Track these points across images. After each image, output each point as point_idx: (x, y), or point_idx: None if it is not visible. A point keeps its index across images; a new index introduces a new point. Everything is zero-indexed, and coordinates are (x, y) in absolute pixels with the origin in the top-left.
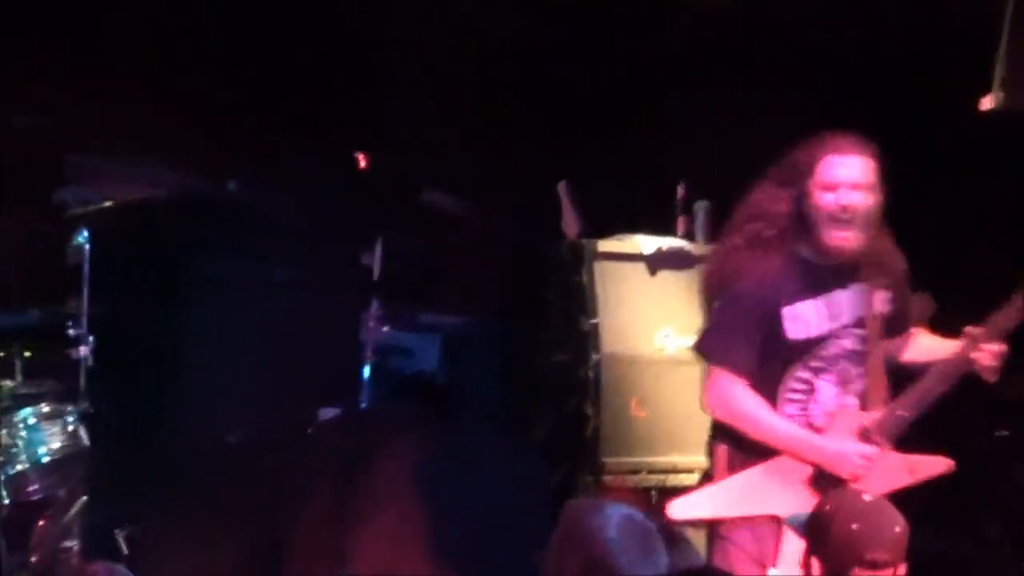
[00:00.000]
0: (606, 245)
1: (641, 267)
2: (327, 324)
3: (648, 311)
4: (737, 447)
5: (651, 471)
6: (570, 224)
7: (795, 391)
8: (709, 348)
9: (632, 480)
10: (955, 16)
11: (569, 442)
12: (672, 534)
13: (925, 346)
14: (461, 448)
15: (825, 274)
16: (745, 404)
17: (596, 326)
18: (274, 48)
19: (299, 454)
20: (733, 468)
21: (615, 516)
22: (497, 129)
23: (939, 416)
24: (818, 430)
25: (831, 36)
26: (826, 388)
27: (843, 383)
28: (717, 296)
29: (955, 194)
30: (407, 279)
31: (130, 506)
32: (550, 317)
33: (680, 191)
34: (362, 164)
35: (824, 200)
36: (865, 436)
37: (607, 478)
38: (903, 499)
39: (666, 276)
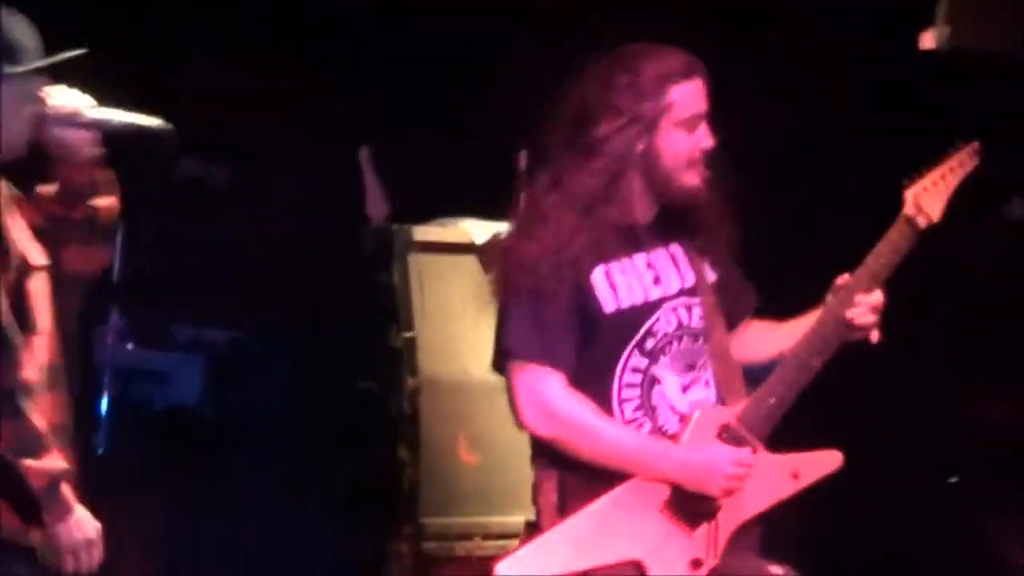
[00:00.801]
0: (424, 232)
1: (471, 261)
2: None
3: (481, 321)
4: (570, 473)
5: (487, 535)
6: (374, 204)
7: (631, 386)
8: (512, 348)
9: (462, 548)
10: None
11: (377, 499)
12: None
13: (773, 335)
14: (231, 506)
15: (640, 232)
16: (573, 409)
17: (412, 341)
18: None
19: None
20: (567, 504)
21: None
22: (280, 78)
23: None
24: (672, 438)
25: None
26: (669, 378)
27: (688, 368)
28: (509, 292)
29: (887, 150)
30: (158, 280)
31: None
32: (353, 330)
33: (521, 160)
34: None
35: (681, 142)
36: (730, 437)
37: (428, 545)
38: None
39: None
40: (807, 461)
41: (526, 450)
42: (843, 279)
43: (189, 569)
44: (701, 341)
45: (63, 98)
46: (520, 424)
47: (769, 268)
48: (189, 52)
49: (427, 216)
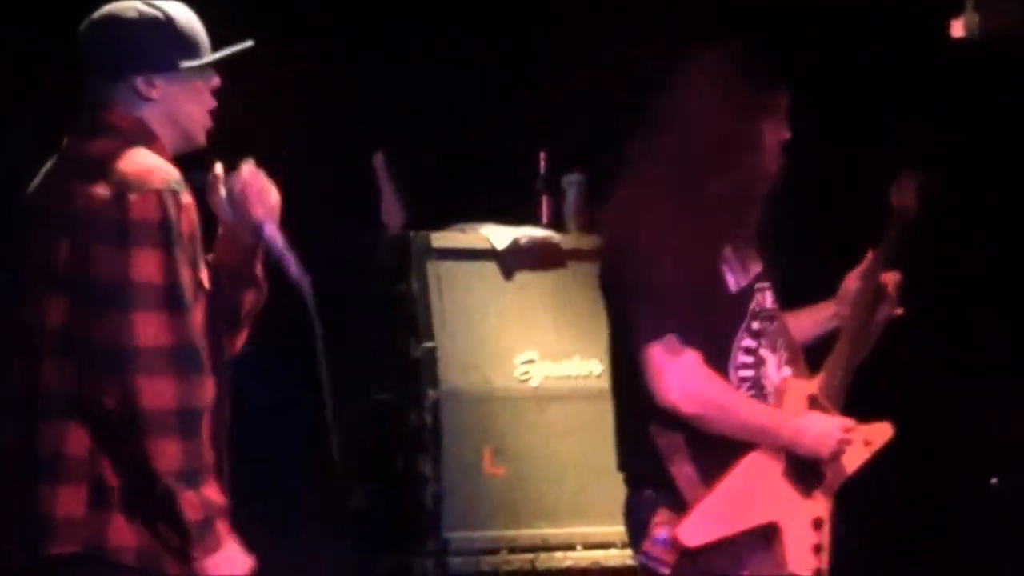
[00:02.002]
0: (443, 239)
1: (491, 268)
2: None
3: (503, 329)
4: (703, 444)
5: (513, 549)
6: (391, 211)
7: (746, 366)
8: (650, 328)
9: (487, 563)
10: None
11: (399, 513)
12: None
13: (806, 317)
14: (246, 523)
15: (739, 214)
16: (715, 387)
17: (432, 352)
18: None
19: None
20: (709, 474)
21: None
22: (288, 84)
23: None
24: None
25: None
26: (770, 357)
27: (776, 347)
28: (639, 274)
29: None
30: None
31: None
32: (368, 341)
33: (542, 162)
34: None
35: (778, 134)
36: (817, 407)
37: (453, 560)
38: None
39: (527, 279)
40: (871, 430)
41: (551, 461)
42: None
43: None
44: (777, 322)
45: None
46: (662, 402)
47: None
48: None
49: (445, 222)
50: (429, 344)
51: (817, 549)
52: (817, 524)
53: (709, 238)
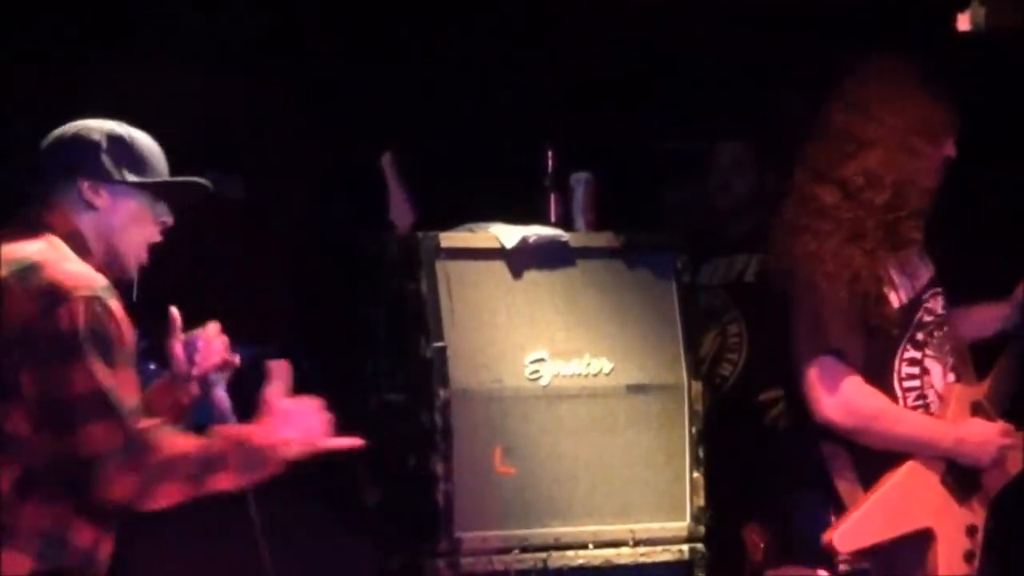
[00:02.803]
0: (451, 238)
1: (500, 267)
2: None
3: (513, 328)
4: (864, 453)
5: (525, 548)
6: (400, 211)
7: (911, 377)
8: (809, 344)
9: (500, 562)
10: None
11: (410, 513)
12: None
13: (978, 315)
14: (253, 527)
15: (900, 229)
16: (870, 403)
17: (442, 351)
18: None
19: None
20: (869, 481)
21: None
22: (296, 87)
23: None
24: (934, 417)
25: None
26: (935, 367)
27: (943, 355)
28: (803, 288)
29: None
30: (176, 296)
31: None
32: (377, 341)
33: (549, 160)
34: None
35: (946, 150)
36: (981, 413)
37: (465, 560)
38: None
39: (536, 278)
40: None
41: (562, 460)
42: None
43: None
44: (946, 328)
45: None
46: (819, 418)
47: None
48: (200, 63)
49: (453, 221)
50: (439, 343)
51: (969, 556)
52: (971, 531)
53: (869, 257)
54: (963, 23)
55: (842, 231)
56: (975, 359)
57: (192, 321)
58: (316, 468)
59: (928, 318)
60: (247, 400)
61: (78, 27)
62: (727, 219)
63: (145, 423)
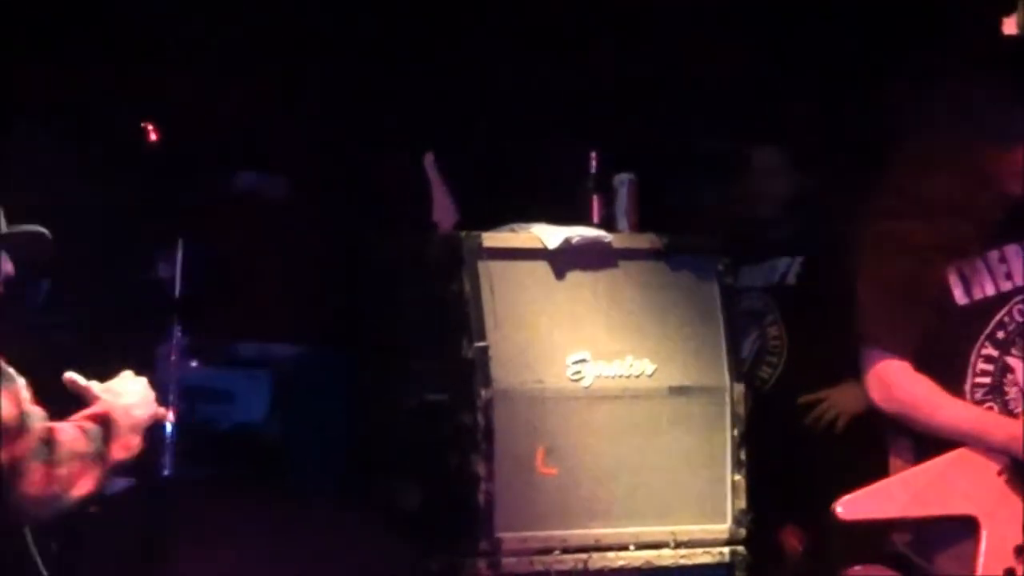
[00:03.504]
0: (494, 239)
1: (543, 268)
2: (111, 361)
3: (555, 329)
4: (923, 439)
5: (566, 550)
6: (443, 211)
7: (984, 373)
8: (866, 333)
9: (540, 563)
10: None
11: (451, 514)
12: None
13: None
14: (299, 527)
15: (993, 228)
16: (909, 389)
17: (484, 351)
18: None
19: (77, 540)
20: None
21: None
22: (339, 90)
23: None
24: (1017, 416)
25: None
26: (1020, 366)
27: None
28: (868, 278)
29: None
30: (220, 296)
31: None
32: (419, 341)
33: (592, 162)
34: (152, 138)
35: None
36: None
37: (506, 561)
38: None
39: (579, 279)
40: None
41: (603, 461)
42: None
43: None
44: None
45: None
46: (869, 401)
47: None
48: (244, 66)
49: (496, 222)
50: (481, 344)
51: (1020, 551)
52: None
53: (925, 259)
54: (1009, 27)
55: (909, 236)
56: None
57: (236, 321)
58: (356, 470)
59: (1019, 318)
60: (291, 398)
61: (122, 31)
62: (767, 222)
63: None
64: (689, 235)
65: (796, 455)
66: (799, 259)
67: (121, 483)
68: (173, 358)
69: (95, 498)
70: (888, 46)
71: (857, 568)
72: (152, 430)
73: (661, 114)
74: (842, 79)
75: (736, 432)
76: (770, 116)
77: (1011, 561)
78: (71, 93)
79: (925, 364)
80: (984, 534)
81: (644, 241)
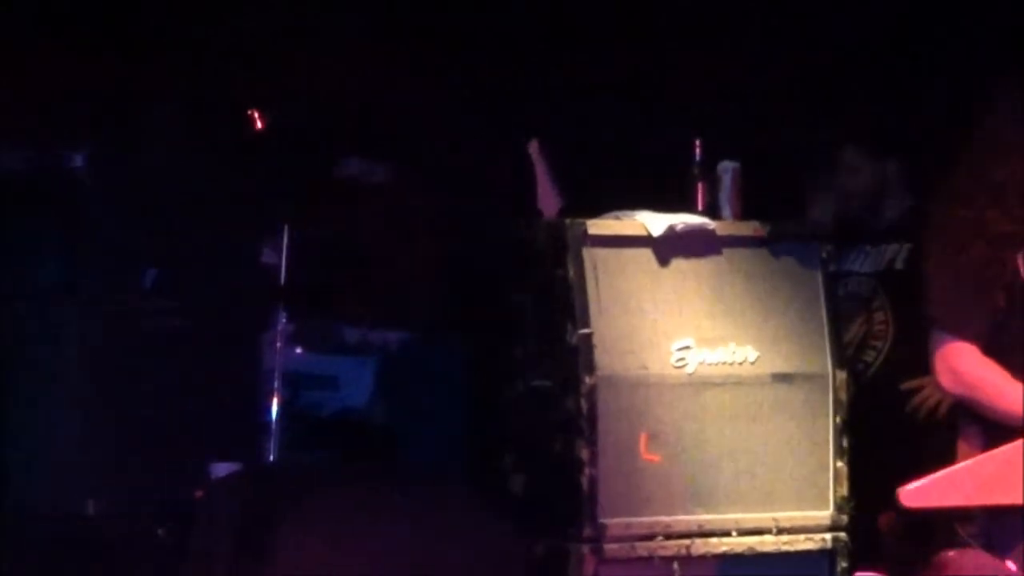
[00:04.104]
0: (599, 226)
1: (647, 255)
2: (217, 348)
3: (659, 316)
4: (992, 426)
5: (669, 535)
6: (548, 199)
7: None
8: (934, 317)
9: (643, 548)
10: None
11: (555, 499)
12: None
13: None
14: (403, 513)
15: None
16: (978, 373)
17: (588, 338)
18: None
19: (185, 525)
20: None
21: None
22: (442, 76)
23: None
24: None
25: None
26: None
27: None
28: (939, 263)
29: None
30: (325, 282)
31: None
32: (524, 327)
33: (697, 149)
34: (259, 125)
35: None
36: None
37: (609, 546)
38: None
39: (682, 266)
40: None
41: (706, 447)
42: None
43: (360, 565)
44: None
45: None
46: (937, 383)
47: None
48: (349, 53)
49: (600, 209)
50: (586, 330)
51: None
52: None
53: (995, 244)
54: None
55: (978, 222)
56: None
57: (340, 307)
58: (463, 454)
59: None
60: (396, 384)
61: (236, 20)
62: (870, 211)
63: None
64: (792, 222)
65: (898, 439)
66: (907, 246)
67: (227, 468)
68: (278, 345)
69: (203, 483)
70: (968, 36)
71: (952, 552)
72: (254, 416)
73: (766, 102)
74: (926, 67)
75: (838, 419)
76: (852, 111)
77: None
78: (184, 84)
79: (995, 350)
80: None
81: (747, 228)
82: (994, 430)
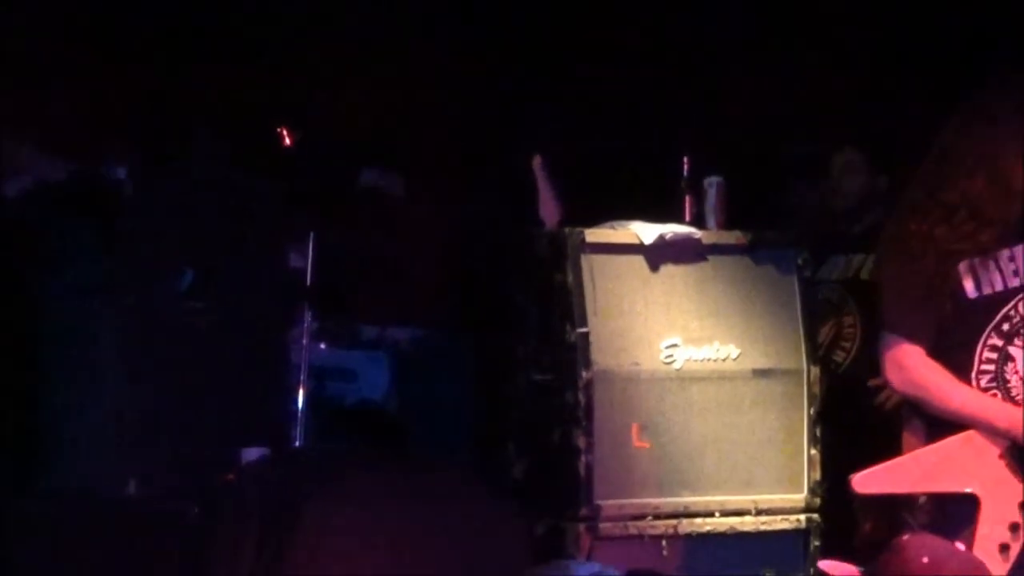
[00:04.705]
0: (595, 235)
1: (639, 261)
2: (248, 343)
3: (649, 316)
4: (935, 423)
5: (658, 516)
6: (549, 209)
7: (989, 361)
8: (886, 320)
9: (635, 527)
10: None
11: (555, 482)
12: None
13: None
14: (418, 494)
15: (1007, 229)
16: (923, 374)
17: (585, 336)
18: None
19: (217, 505)
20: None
21: None
22: (451, 94)
23: None
24: (1017, 403)
25: None
26: (1020, 354)
27: None
28: (890, 272)
29: None
30: (346, 284)
31: (14, 567)
32: (526, 327)
33: (685, 166)
34: (287, 141)
35: None
36: None
37: (603, 525)
38: None
39: (671, 271)
40: None
41: (692, 436)
42: None
43: (381, 542)
44: None
45: None
46: (885, 383)
47: None
48: (369, 79)
49: (597, 219)
50: (583, 329)
51: (1014, 528)
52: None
53: (942, 256)
54: None
55: (927, 235)
56: None
57: (360, 305)
58: (470, 442)
59: (1023, 312)
60: (409, 377)
61: (263, 51)
62: (844, 219)
63: None
64: (772, 232)
65: (866, 430)
66: (872, 256)
67: (257, 453)
68: (304, 341)
69: (234, 467)
70: (957, 55)
71: (907, 536)
72: (282, 405)
73: (749, 121)
74: (916, 86)
75: (812, 410)
76: (849, 122)
77: (1006, 537)
78: (220, 103)
79: (938, 352)
80: (983, 511)
81: (730, 237)
82: (936, 424)
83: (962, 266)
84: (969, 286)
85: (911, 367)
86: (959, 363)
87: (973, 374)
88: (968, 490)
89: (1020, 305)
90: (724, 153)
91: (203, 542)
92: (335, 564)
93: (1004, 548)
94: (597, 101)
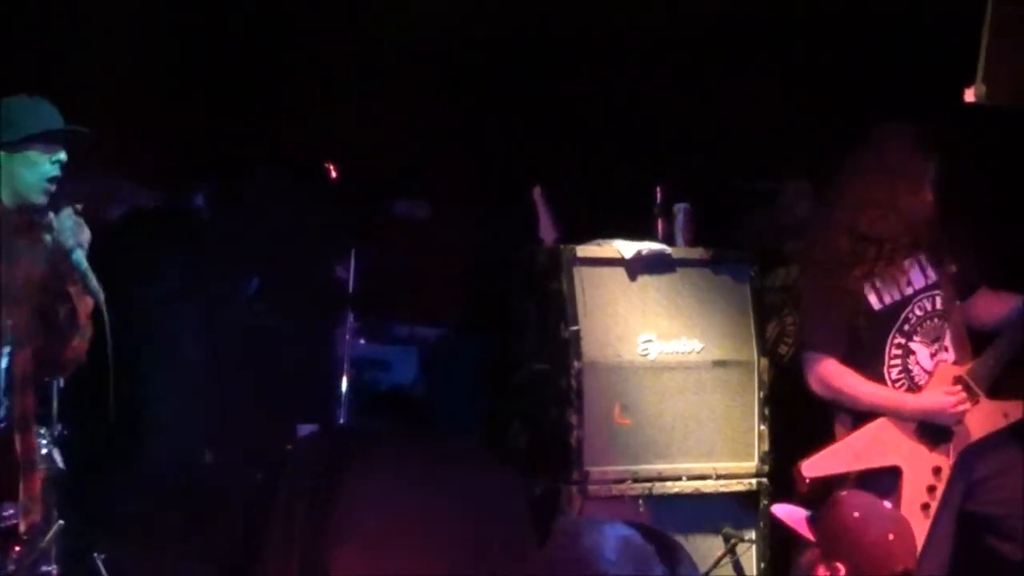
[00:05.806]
0: (585, 251)
1: (621, 272)
2: (302, 339)
3: (629, 317)
4: (853, 417)
5: (636, 480)
6: (547, 230)
7: (896, 357)
8: (805, 339)
9: (617, 489)
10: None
11: (551, 452)
12: (669, 549)
13: (998, 305)
14: (439, 461)
15: (900, 248)
16: (839, 380)
17: (577, 333)
18: (234, 56)
19: (278, 472)
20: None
21: (612, 537)
22: (469, 136)
23: None
24: (921, 388)
25: (813, 18)
26: (921, 350)
27: (934, 340)
28: (807, 293)
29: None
30: (382, 291)
31: (106, 530)
32: (528, 326)
33: (658, 194)
34: (333, 175)
35: (924, 198)
36: (962, 385)
37: (591, 488)
38: None
39: (646, 281)
40: (1015, 406)
41: (664, 414)
42: None
43: (408, 500)
44: (942, 320)
45: None
46: (810, 390)
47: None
48: (400, 124)
49: (586, 238)
50: (575, 327)
51: (931, 489)
52: (936, 471)
53: (847, 278)
54: (969, 96)
55: (835, 261)
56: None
57: (393, 308)
58: (484, 420)
59: (919, 313)
60: (433, 368)
61: (306, 88)
62: (787, 237)
63: None
64: (729, 249)
65: (805, 409)
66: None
67: (309, 428)
68: (347, 337)
69: (291, 439)
70: (875, 111)
71: (843, 492)
72: (330, 389)
73: (711, 159)
74: (849, 122)
75: (761, 394)
76: (798, 156)
77: (925, 497)
78: (279, 143)
79: (855, 355)
80: (904, 478)
81: (695, 253)
82: (858, 415)
83: (866, 285)
84: (873, 300)
85: (828, 375)
86: (873, 361)
87: (884, 369)
88: (894, 463)
89: (916, 308)
90: (690, 185)
91: (267, 499)
92: (370, 515)
93: (925, 507)
94: (587, 141)
